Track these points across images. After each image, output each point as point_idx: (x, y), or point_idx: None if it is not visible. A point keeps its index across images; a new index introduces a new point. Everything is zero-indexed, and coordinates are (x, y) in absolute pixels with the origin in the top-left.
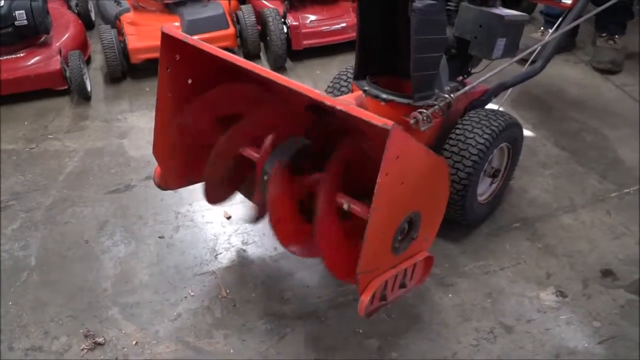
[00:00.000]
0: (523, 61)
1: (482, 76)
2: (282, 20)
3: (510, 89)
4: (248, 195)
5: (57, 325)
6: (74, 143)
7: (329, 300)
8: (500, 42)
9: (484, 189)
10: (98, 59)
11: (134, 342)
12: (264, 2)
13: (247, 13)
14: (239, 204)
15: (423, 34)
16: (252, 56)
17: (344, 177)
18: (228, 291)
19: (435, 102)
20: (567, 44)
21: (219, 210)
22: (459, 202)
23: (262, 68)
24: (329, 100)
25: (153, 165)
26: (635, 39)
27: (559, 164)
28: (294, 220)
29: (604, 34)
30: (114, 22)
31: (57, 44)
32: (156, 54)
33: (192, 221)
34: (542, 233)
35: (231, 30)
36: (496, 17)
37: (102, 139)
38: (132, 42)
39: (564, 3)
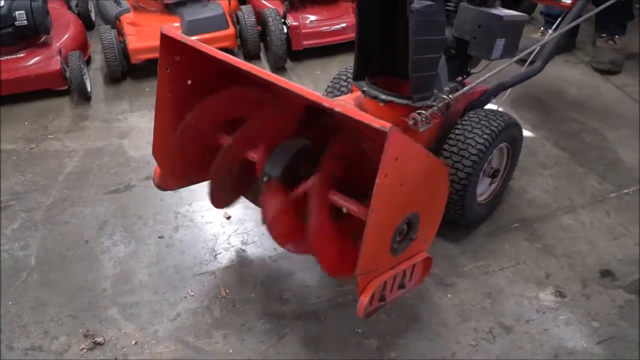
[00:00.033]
0: (523, 61)
1: (482, 76)
2: (282, 20)
3: (510, 89)
4: (253, 199)
5: (57, 325)
6: (74, 143)
7: (328, 300)
8: (499, 43)
9: (484, 189)
10: (98, 59)
11: (133, 342)
12: (264, 2)
13: (247, 13)
14: (238, 204)
15: (421, 35)
16: (252, 56)
17: (342, 176)
18: (227, 291)
19: (434, 103)
20: (567, 45)
21: (218, 210)
22: (459, 202)
23: (260, 70)
24: (327, 102)
25: (153, 165)
26: (635, 39)
27: (559, 164)
28: (288, 218)
29: (604, 35)
30: (114, 23)
31: (57, 44)
32: (156, 54)
33: (191, 221)
34: (541, 233)
35: (231, 30)
36: (495, 18)
37: (102, 139)
38: (132, 43)
39: (564, 3)
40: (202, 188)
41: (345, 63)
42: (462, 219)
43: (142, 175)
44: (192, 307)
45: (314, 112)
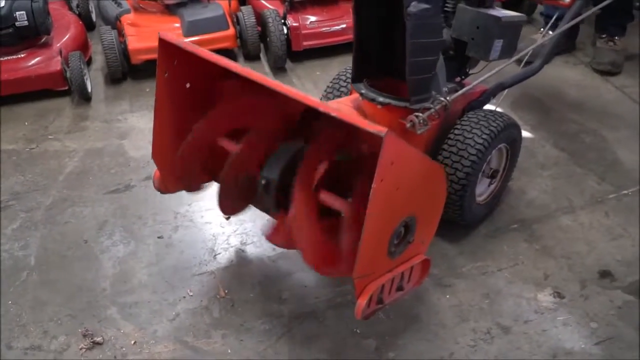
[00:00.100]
0: (522, 62)
1: (481, 77)
2: (282, 21)
3: (509, 90)
4: (262, 208)
5: (56, 324)
6: (74, 143)
7: (327, 300)
8: (498, 44)
9: (483, 190)
10: (99, 60)
11: (132, 342)
12: (264, 3)
13: (247, 14)
14: None
15: (418, 37)
16: (252, 57)
17: (333, 175)
18: (226, 291)
19: (432, 106)
20: (567, 46)
21: (218, 210)
22: (458, 202)
23: (256, 74)
24: (322, 107)
25: (153, 166)
26: (635, 40)
27: (558, 165)
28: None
29: (603, 36)
30: (115, 23)
31: (58, 45)
32: (156, 55)
33: (191, 221)
34: (540, 234)
35: (231, 31)
36: (493, 19)
37: (102, 139)
38: (133, 43)
39: (562, 2)
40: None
41: (345, 64)
42: (461, 219)
43: (142, 175)
44: (191, 307)
45: (311, 115)
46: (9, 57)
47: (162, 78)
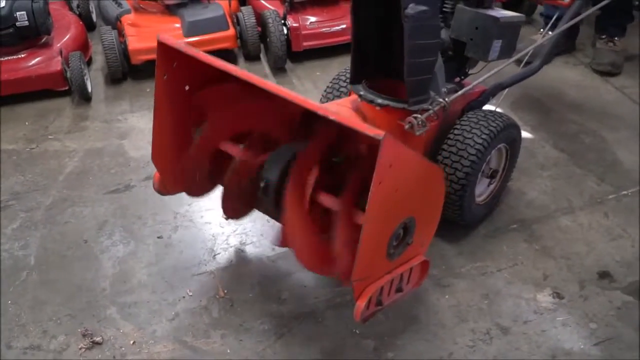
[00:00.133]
0: (522, 62)
1: (480, 77)
2: (282, 21)
3: (508, 90)
4: (265, 211)
5: (56, 324)
6: (74, 143)
7: (326, 300)
8: (496, 44)
9: (482, 190)
10: (99, 60)
11: (131, 342)
12: (264, 3)
13: (247, 14)
14: None
15: (416, 39)
16: (252, 57)
17: (332, 176)
18: (226, 291)
19: (430, 107)
20: (567, 47)
21: (217, 210)
22: (457, 202)
23: (256, 77)
24: (321, 111)
25: (153, 166)
26: (635, 41)
27: (558, 165)
28: (317, 240)
29: (603, 36)
30: (115, 24)
31: (58, 45)
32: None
33: (190, 221)
34: (539, 235)
35: (231, 31)
36: (491, 19)
37: (102, 139)
38: (133, 43)
39: (562, 2)
40: None
41: (345, 64)
42: (460, 219)
43: (142, 175)
44: (190, 307)
45: (312, 116)
46: (9, 57)
47: (161, 81)
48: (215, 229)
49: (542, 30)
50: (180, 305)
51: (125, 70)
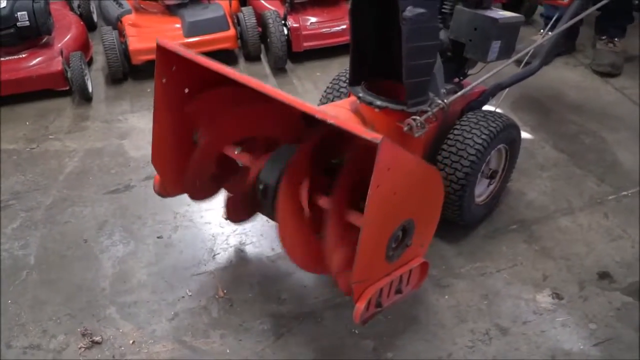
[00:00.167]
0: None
1: (479, 78)
2: (283, 22)
3: (508, 91)
4: (269, 215)
5: (55, 323)
6: (74, 143)
7: (326, 300)
8: (495, 45)
9: (482, 190)
10: (100, 60)
11: (131, 341)
12: (264, 4)
13: (247, 15)
14: None
15: (414, 41)
16: (253, 58)
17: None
18: (225, 291)
19: (429, 109)
20: (567, 47)
21: (217, 210)
22: (457, 202)
23: (256, 81)
24: (320, 114)
25: (153, 166)
26: (635, 42)
27: (557, 166)
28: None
29: (603, 37)
30: (116, 24)
31: (59, 45)
32: None
33: (190, 221)
34: (539, 235)
35: (232, 31)
36: (490, 20)
37: (102, 139)
38: (133, 44)
39: (562, 1)
40: None
41: (346, 65)
42: (460, 220)
43: (142, 175)
44: (190, 306)
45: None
46: (10, 57)
47: (161, 84)
48: (215, 229)
49: (542, 31)
50: (179, 305)
51: (126, 71)
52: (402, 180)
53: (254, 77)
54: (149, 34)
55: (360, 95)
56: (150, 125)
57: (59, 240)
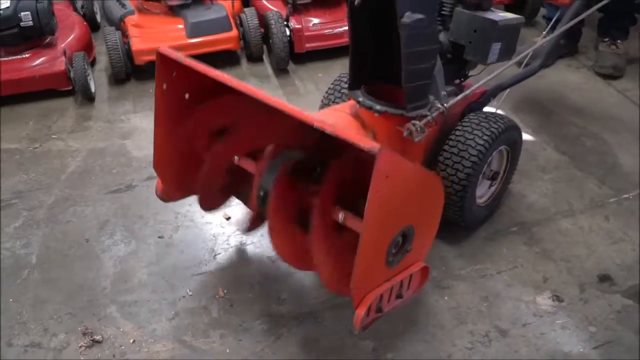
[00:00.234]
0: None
1: (481, 80)
2: (285, 23)
3: (510, 93)
4: (245, 201)
5: (56, 322)
6: (76, 143)
7: (326, 301)
8: (495, 47)
9: (483, 192)
10: (103, 61)
11: (131, 340)
12: (267, 4)
13: (250, 16)
14: (238, 205)
15: (413, 47)
16: (255, 59)
17: (343, 187)
18: (226, 291)
19: (429, 113)
20: (570, 49)
21: (218, 211)
22: (458, 203)
23: (255, 90)
24: (317, 123)
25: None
26: (638, 44)
27: (559, 168)
28: (289, 231)
29: (606, 39)
30: (119, 24)
31: (62, 45)
32: None
33: (191, 221)
34: (539, 237)
35: (234, 32)
36: (490, 22)
37: (104, 139)
38: (136, 44)
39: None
40: None
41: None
42: (461, 221)
43: (144, 175)
44: (190, 306)
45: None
46: (13, 57)
47: (161, 90)
48: (216, 229)
49: (544, 32)
50: (180, 304)
51: (129, 71)
52: (400, 187)
53: (257, 77)
54: (151, 34)
55: (360, 99)
56: (152, 125)
57: (60, 240)
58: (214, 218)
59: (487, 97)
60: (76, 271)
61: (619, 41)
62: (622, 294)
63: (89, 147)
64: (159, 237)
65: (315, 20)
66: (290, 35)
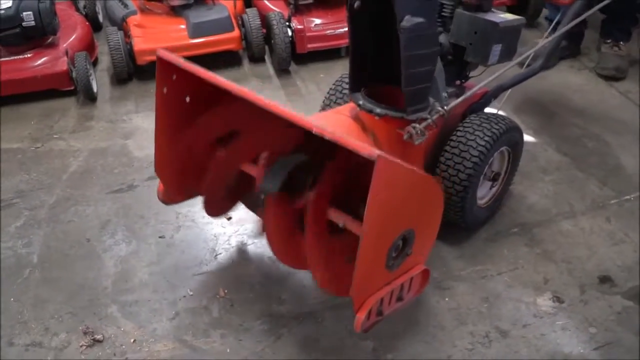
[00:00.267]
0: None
1: (482, 81)
2: (287, 23)
3: (511, 94)
4: (250, 207)
5: (57, 321)
6: (78, 143)
7: (326, 301)
8: (496, 48)
9: (484, 193)
10: (105, 60)
11: (132, 340)
12: (269, 5)
13: (252, 16)
14: (239, 206)
15: (413, 50)
16: (257, 59)
17: (342, 191)
18: (226, 291)
19: (429, 116)
20: (572, 51)
21: None
22: (459, 203)
23: (254, 95)
24: (316, 129)
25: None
26: None
27: (560, 169)
28: (289, 236)
29: (609, 41)
30: (121, 24)
31: (64, 45)
32: None
33: (192, 221)
34: (540, 238)
35: (236, 33)
36: (490, 24)
37: (106, 139)
38: (138, 44)
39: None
40: None
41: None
42: (462, 222)
43: (145, 175)
44: (190, 306)
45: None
46: (15, 57)
47: (162, 94)
48: (217, 229)
49: (546, 33)
50: (180, 304)
51: (131, 71)
52: (400, 192)
53: (258, 78)
54: (154, 34)
55: (360, 102)
56: (154, 126)
57: (61, 239)
58: (215, 218)
59: (488, 97)
60: (77, 271)
61: (621, 43)
62: (622, 295)
63: (90, 147)
64: (160, 237)
65: (317, 21)
66: (292, 36)
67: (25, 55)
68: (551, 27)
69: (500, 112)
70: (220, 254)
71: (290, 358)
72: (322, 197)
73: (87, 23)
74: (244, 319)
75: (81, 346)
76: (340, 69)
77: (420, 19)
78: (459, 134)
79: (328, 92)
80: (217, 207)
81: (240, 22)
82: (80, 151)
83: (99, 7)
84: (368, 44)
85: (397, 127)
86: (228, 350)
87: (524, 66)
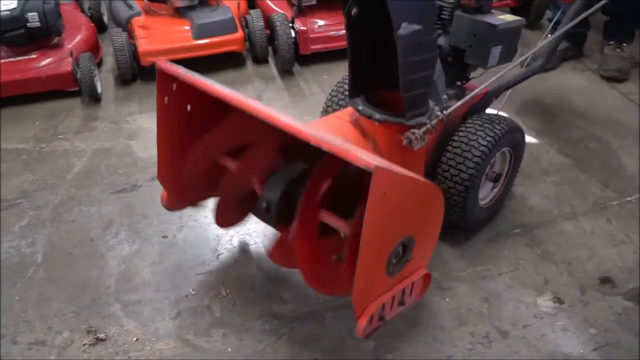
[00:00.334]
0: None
1: (483, 82)
2: (291, 25)
3: (513, 95)
4: (262, 218)
5: (61, 320)
6: (82, 143)
7: (327, 301)
8: (496, 50)
9: (486, 193)
10: (109, 61)
11: (134, 339)
12: (272, 6)
13: (255, 17)
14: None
15: (411, 56)
16: (260, 60)
17: (333, 194)
18: (228, 291)
19: (428, 121)
20: (575, 52)
21: None
22: (460, 204)
23: (254, 105)
24: (314, 140)
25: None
26: None
27: (561, 171)
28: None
29: (611, 42)
30: (126, 25)
31: (69, 46)
32: (166, 57)
33: (195, 221)
34: (541, 239)
35: (240, 34)
36: (490, 27)
37: (110, 139)
38: (143, 45)
39: None
40: None
41: None
42: (463, 222)
43: (149, 175)
44: (192, 305)
45: None
46: (20, 58)
47: (162, 103)
48: (219, 230)
49: (549, 35)
50: (183, 303)
51: (135, 72)
52: (399, 201)
53: (262, 79)
54: (158, 36)
55: (360, 108)
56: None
57: (65, 239)
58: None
59: (489, 98)
60: (81, 270)
61: (624, 44)
62: (622, 296)
63: (94, 147)
64: (163, 237)
65: (321, 22)
66: (295, 37)
67: (30, 56)
68: (550, 26)
69: (502, 113)
70: (222, 254)
71: (291, 357)
72: (310, 198)
73: (92, 24)
74: (245, 319)
75: (84, 345)
76: (343, 71)
77: (417, 26)
78: (461, 134)
79: (330, 94)
80: (227, 219)
81: (244, 24)
82: (84, 151)
83: (104, 8)
84: (367, 49)
85: (397, 132)
86: (229, 350)
87: (524, 66)
